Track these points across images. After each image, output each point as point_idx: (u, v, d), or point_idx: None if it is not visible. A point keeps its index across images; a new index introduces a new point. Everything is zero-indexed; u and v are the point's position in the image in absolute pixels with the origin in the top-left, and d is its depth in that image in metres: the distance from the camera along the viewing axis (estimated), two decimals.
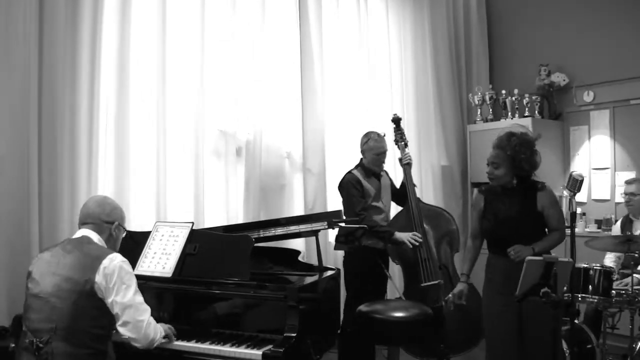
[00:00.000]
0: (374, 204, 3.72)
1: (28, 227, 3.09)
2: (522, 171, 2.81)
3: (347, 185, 3.71)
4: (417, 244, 3.63)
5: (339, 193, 3.85)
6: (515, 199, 2.84)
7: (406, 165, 3.95)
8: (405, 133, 5.21)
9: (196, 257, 2.59)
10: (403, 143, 4.05)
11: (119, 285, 2.04)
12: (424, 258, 3.66)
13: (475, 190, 3.10)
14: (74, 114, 3.33)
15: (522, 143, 2.80)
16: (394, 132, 4.10)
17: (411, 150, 5.17)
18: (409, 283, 3.78)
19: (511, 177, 2.84)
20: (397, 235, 3.64)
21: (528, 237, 2.76)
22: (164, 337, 2.26)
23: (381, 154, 3.78)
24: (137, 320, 2.08)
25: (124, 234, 2.36)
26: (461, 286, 3.02)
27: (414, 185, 4.00)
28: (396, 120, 4.11)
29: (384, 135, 3.86)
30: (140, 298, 2.13)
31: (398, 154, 4.07)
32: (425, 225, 3.80)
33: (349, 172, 3.81)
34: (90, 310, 2.02)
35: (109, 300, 2.04)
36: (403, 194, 3.92)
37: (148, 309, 2.15)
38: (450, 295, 3.05)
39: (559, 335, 2.57)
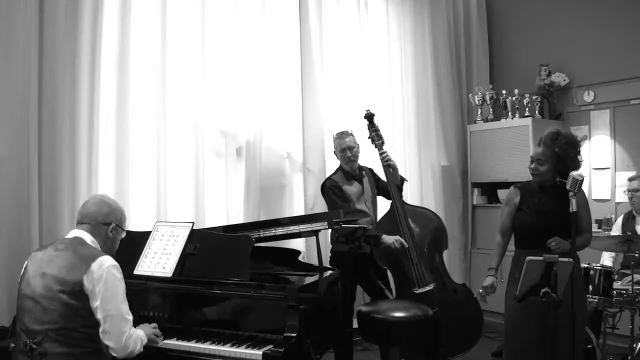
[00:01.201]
0: (358, 207, 3.65)
1: (28, 228, 3.10)
2: (566, 170, 2.82)
3: (328, 192, 3.65)
4: (400, 247, 3.49)
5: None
6: (552, 197, 2.87)
7: (386, 166, 3.73)
8: (406, 132, 5.19)
9: (196, 257, 2.59)
10: (380, 142, 3.80)
11: (104, 292, 2.00)
12: (415, 263, 3.55)
13: (511, 187, 3.08)
14: (74, 114, 3.33)
15: (569, 142, 2.83)
16: (368, 129, 3.84)
17: (411, 150, 5.21)
18: (401, 288, 3.66)
19: (554, 175, 2.88)
20: (384, 239, 3.52)
21: (565, 233, 2.77)
22: (149, 341, 2.22)
23: (345, 150, 3.65)
24: (119, 332, 2.04)
25: (123, 235, 2.34)
26: (491, 279, 2.99)
27: (404, 180, 3.89)
28: (368, 117, 3.85)
29: (349, 132, 3.73)
30: (125, 307, 2.08)
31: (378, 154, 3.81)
32: (412, 227, 3.65)
33: (329, 177, 3.74)
34: (81, 310, 2.00)
35: (92, 305, 2.01)
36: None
37: (131, 319, 2.10)
38: (480, 289, 3.00)
39: (577, 337, 2.56)
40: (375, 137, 3.83)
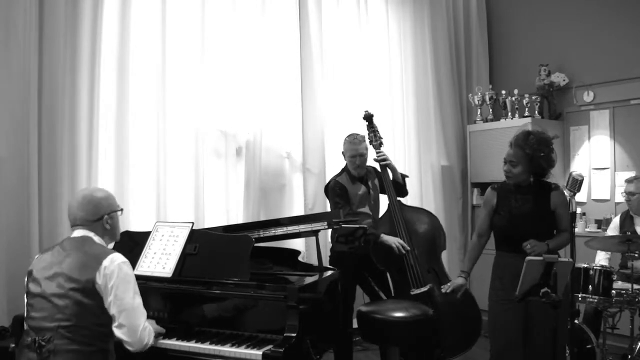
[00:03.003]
0: (361, 209, 3.65)
1: (28, 228, 3.10)
2: (540, 169, 2.81)
3: (332, 193, 3.65)
4: (404, 252, 3.51)
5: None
6: (529, 197, 2.85)
7: (382, 167, 3.73)
8: (406, 132, 5.17)
9: (196, 257, 2.59)
10: (378, 142, 3.81)
11: (117, 287, 2.03)
12: (411, 264, 3.55)
13: (488, 188, 3.05)
14: (74, 114, 3.34)
15: (540, 141, 2.80)
16: (367, 130, 3.84)
17: (411, 150, 5.21)
18: (399, 288, 3.65)
19: (528, 175, 2.85)
20: (384, 239, 3.52)
21: (541, 234, 2.77)
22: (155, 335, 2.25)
23: (355, 157, 3.64)
24: (134, 325, 2.07)
25: (120, 214, 2.29)
26: (461, 280, 2.98)
27: (406, 176, 3.90)
28: (367, 117, 3.85)
29: (362, 138, 3.72)
30: (138, 300, 2.11)
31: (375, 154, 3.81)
32: (409, 228, 3.66)
33: (334, 178, 3.73)
34: (92, 308, 2.02)
35: (107, 301, 2.03)
36: (396, 188, 3.79)
37: (145, 312, 2.14)
38: (448, 284, 3.00)
39: (559, 335, 2.56)
40: (373, 138, 3.83)
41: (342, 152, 3.77)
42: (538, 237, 2.76)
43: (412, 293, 3.49)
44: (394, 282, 3.70)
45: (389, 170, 3.79)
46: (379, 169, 3.83)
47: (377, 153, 3.78)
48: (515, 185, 2.89)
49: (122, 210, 2.32)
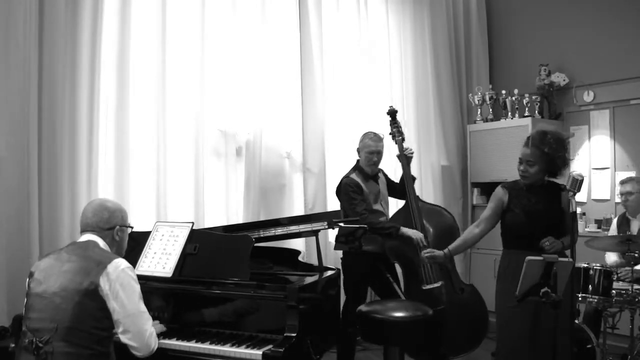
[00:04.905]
0: (374, 207, 3.66)
1: (28, 228, 3.10)
2: (556, 169, 2.81)
3: (346, 190, 3.63)
4: (423, 245, 3.53)
5: (336, 197, 3.77)
6: (541, 197, 2.85)
7: (410, 158, 3.85)
8: (405, 132, 5.19)
9: (196, 257, 2.59)
10: (401, 138, 3.90)
11: (122, 293, 2.02)
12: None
13: (498, 186, 3.04)
14: (74, 114, 3.33)
15: (557, 141, 2.79)
16: (390, 125, 3.95)
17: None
18: (409, 284, 3.69)
19: (544, 175, 2.85)
20: (404, 231, 3.55)
21: (555, 233, 2.78)
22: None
23: (374, 153, 3.67)
24: (141, 330, 2.06)
25: (130, 231, 2.33)
26: (440, 253, 3.08)
27: (414, 178, 3.94)
28: (392, 113, 3.96)
29: (382, 136, 3.77)
30: (143, 306, 2.10)
31: (395, 150, 3.94)
32: (424, 224, 3.71)
33: (347, 176, 3.73)
34: (93, 311, 2.00)
35: (110, 306, 2.02)
36: (403, 189, 3.83)
37: (150, 318, 2.13)
38: (428, 250, 3.12)
39: (559, 336, 2.56)
40: (397, 133, 3.91)
41: (358, 149, 3.77)
42: (553, 235, 2.76)
43: (423, 288, 3.53)
44: (405, 276, 3.73)
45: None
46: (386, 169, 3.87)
47: (399, 149, 3.86)
48: (527, 185, 2.88)
49: (132, 228, 2.34)
